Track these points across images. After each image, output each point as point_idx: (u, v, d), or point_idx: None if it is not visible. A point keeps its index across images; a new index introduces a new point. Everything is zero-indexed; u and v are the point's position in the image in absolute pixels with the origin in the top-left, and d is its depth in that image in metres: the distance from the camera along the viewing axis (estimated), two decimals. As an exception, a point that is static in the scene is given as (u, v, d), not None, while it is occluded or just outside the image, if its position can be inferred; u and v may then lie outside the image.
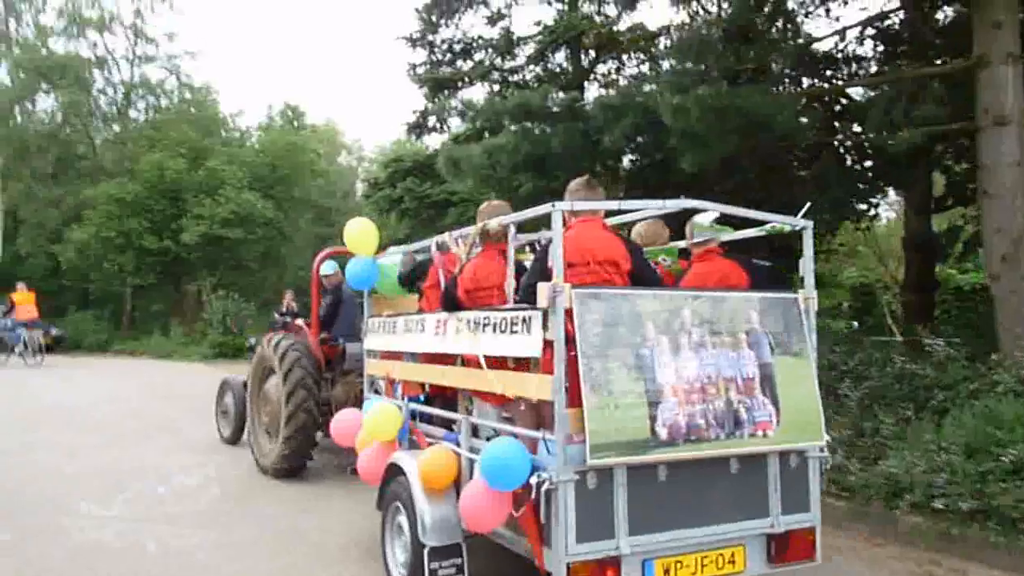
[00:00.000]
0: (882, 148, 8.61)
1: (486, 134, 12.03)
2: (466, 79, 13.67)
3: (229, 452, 8.67)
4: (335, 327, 8.14)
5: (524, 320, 3.66)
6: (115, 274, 25.49)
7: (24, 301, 19.72)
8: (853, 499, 6.04)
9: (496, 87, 13.63)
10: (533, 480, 3.48)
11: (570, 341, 3.44)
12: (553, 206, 3.57)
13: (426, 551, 4.03)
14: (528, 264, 4.27)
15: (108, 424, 10.67)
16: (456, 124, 14.10)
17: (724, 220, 4.59)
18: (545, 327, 3.52)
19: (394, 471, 4.52)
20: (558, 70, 13.11)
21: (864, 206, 11.12)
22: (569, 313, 3.46)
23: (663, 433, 3.56)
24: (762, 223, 4.43)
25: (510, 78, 13.49)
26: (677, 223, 4.93)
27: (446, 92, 13.50)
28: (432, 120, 14.52)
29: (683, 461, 3.63)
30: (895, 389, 7.37)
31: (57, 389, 14.78)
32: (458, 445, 4.23)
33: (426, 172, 15.57)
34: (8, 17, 29.98)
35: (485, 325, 3.98)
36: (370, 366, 5.59)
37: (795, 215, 4.40)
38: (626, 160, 10.99)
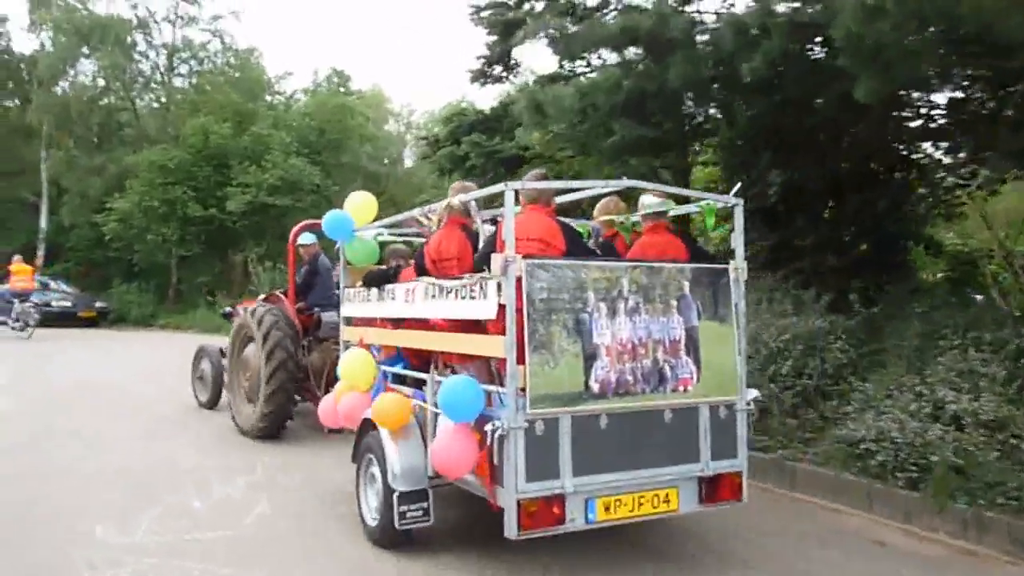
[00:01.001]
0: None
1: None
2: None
3: (280, 451, 7.70)
4: (310, 296, 8.65)
5: (481, 287, 4.26)
6: (159, 245, 24.63)
7: (19, 272, 20.52)
8: None
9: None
10: (488, 428, 4.07)
11: (520, 305, 4.04)
12: (506, 185, 4.17)
13: (396, 496, 4.65)
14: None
15: (142, 407, 9.97)
16: (526, 70, 12.37)
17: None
18: (499, 293, 4.10)
19: (367, 426, 5.16)
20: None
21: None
22: (519, 281, 4.05)
23: (595, 387, 4.21)
24: (697, 200, 5.09)
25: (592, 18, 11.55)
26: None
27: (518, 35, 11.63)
28: (499, 69, 12.64)
29: (622, 412, 4.26)
30: None
31: (94, 364, 14.69)
32: (425, 402, 4.82)
33: (493, 127, 13.78)
34: (49, -20, 28.65)
35: (448, 292, 4.59)
36: (346, 332, 6.20)
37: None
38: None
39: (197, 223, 25.81)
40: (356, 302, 6.04)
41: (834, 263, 9.94)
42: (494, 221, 5.17)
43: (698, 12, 10.06)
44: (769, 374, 7.39)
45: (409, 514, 4.66)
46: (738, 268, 4.71)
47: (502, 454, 4.08)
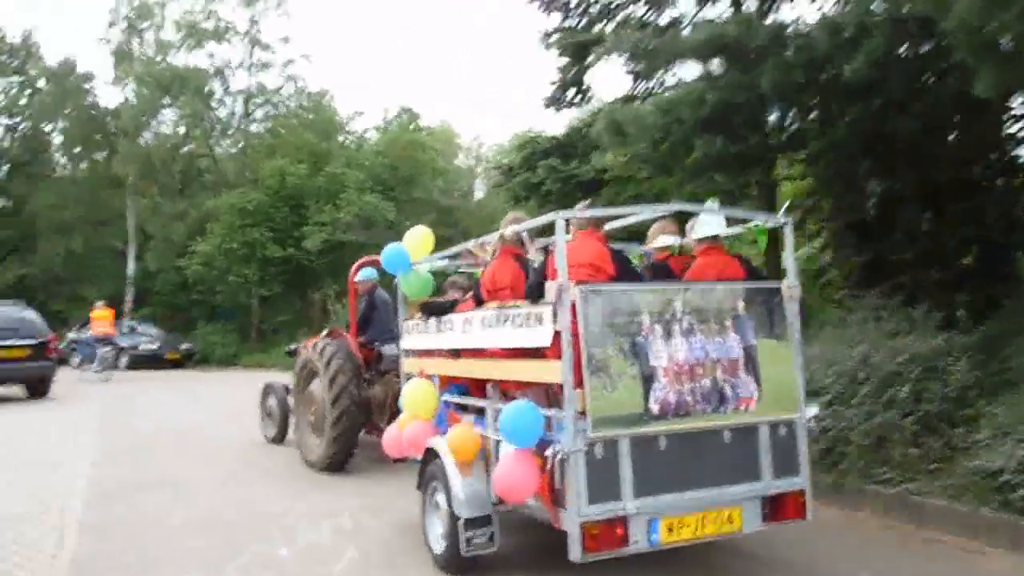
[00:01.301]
0: None
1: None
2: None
3: (366, 494, 7.48)
4: (370, 331, 8.94)
5: (536, 314, 4.41)
6: (240, 285, 24.77)
7: (99, 317, 21.27)
8: None
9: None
10: (548, 452, 4.22)
11: (575, 330, 4.18)
12: (557, 215, 4.37)
13: (461, 522, 4.77)
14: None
15: (224, 449, 10.07)
16: (595, 96, 12.10)
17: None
18: (554, 320, 4.23)
19: (431, 455, 5.30)
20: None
21: None
22: (574, 307, 4.17)
23: (655, 409, 4.27)
24: (745, 221, 5.19)
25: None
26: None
27: (591, 57, 11.33)
28: (571, 93, 12.37)
29: (681, 432, 4.33)
30: None
31: (179, 407, 14.99)
32: (486, 429, 5.00)
33: (567, 152, 13.44)
34: (131, 37, 29.82)
35: (505, 320, 4.73)
36: (406, 364, 6.41)
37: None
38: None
39: (276, 263, 26.19)
40: (415, 334, 6.24)
41: (938, 277, 9.26)
42: (546, 250, 5.29)
43: (776, 21, 9.59)
44: (884, 400, 6.78)
45: (475, 540, 4.76)
46: (791, 286, 4.76)
47: (563, 477, 4.19)
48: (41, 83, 34.43)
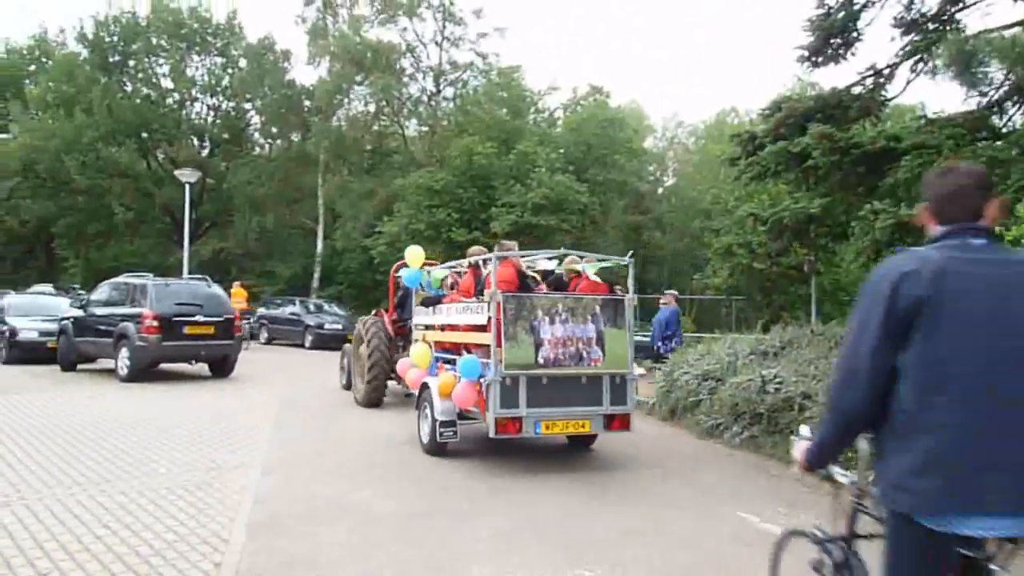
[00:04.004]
0: None
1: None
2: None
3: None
4: (405, 312, 12.78)
5: (480, 307, 8.52)
6: (423, 269, 23.54)
7: (237, 295, 24.67)
8: None
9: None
10: (482, 381, 8.16)
11: (499, 317, 8.25)
12: (495, 252, 8.50)
13: (438, 423, 8.85)
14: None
15: (412, 468, 8.39)
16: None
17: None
18: (488, 310, 8.30)
19: (424, 386, 9.42)
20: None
21: None
22: (499, 304, 8.12)
23: (541, 361, 8.08)
24: (602, 260, 9.27)
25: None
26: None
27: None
28: (838, 43, 9.70)
29: (556, 376, 8.07)
30: None
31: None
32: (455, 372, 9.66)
33: (834, 116, 10.58)
34: (326, 14, 29.81)
35: (467, 309, 8.88)
36: (414, 334, 10.85)
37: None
38: None
39: (462, 247, 24.88)
40: (421, 315, 10.54)
41: None
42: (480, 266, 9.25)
43: None
44: None
45: (445, 434, 8.71)
46: (630, 298, 8.45)
47: (488, 394, 8.07)
48: (242, 63, 35.26)
